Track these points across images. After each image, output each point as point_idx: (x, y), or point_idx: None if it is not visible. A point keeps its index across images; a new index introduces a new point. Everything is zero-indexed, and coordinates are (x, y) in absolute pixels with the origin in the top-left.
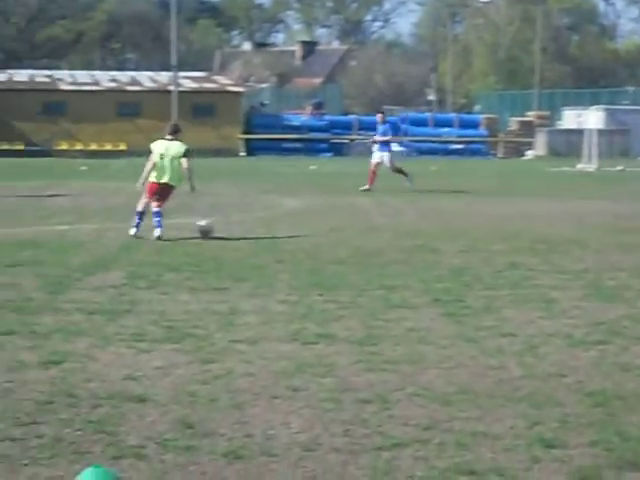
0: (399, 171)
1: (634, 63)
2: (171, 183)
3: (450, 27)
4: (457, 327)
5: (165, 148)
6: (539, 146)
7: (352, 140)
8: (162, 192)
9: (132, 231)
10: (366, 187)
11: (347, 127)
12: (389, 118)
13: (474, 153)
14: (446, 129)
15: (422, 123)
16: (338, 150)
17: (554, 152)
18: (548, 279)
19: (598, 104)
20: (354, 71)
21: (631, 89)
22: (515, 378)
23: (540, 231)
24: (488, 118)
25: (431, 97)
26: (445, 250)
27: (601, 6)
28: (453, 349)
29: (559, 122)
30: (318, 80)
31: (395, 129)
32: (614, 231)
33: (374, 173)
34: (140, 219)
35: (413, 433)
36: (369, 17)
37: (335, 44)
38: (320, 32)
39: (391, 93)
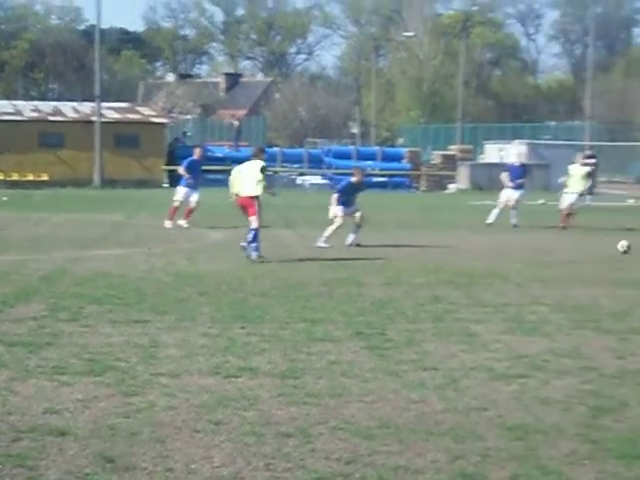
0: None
1: (555, 99)
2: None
3: (374, 60)
4: (379, 360)
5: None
6: (461, 180)
7: (275, 172)
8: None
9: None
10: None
11: (271, 159)
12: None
13: (397, 186)
14: (369, 162)
15: (345, 156)
16: None
17: (476, 186)
18: (470, 313)
19: (520, 139)
20: (278, 103)
21: (552, 124)
22: (437, 412)
23: (462, 264)
24: (411, 151)
25: (355, 130)
26: (368, 283)
27: (523, 41)
28: (375, 382)
29: (481, 156)
30: (242, 112)
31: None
32: (535, 265)
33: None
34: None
35: (335, 467)
36: (293, 50)
37: (259, 76)
38: (244, 64)
39: (315, 125)
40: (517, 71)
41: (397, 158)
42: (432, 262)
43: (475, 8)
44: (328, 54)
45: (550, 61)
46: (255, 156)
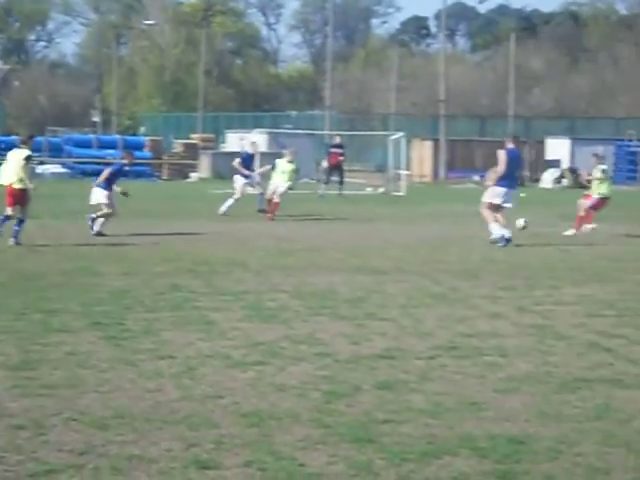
0: None
1: (296, 88)
2: None
3: (115, 48)
4: (116, 350)
5: None
6: (203, 168)
7: None
8: None
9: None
10: None
11: (9, 148)
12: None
13: (139, 175)
14: (111, 151)
15: (86, 145)
16: None
17: (218, 174)
18: (209, 301)
19: (261, 127)
20: (17, 91)
21: (293, 113)
22: (172, 400)
23: (202, 253)
24: (153, 140)
25: (96, 118)
26: (107, 273)
27: (264, 31)
28: (112, 372)
29: (223, 145)
30: None
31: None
32: (275, 253)
33: None
34: None
35: (68, 458)
36: (32, 37)
37: None
38: None
39: (55, 114)
40: (258, 60)
41: (138, 147)
42: (172, 251)
43: None
44: (68, 42)
45: (291, 51)
46: (23, 144)
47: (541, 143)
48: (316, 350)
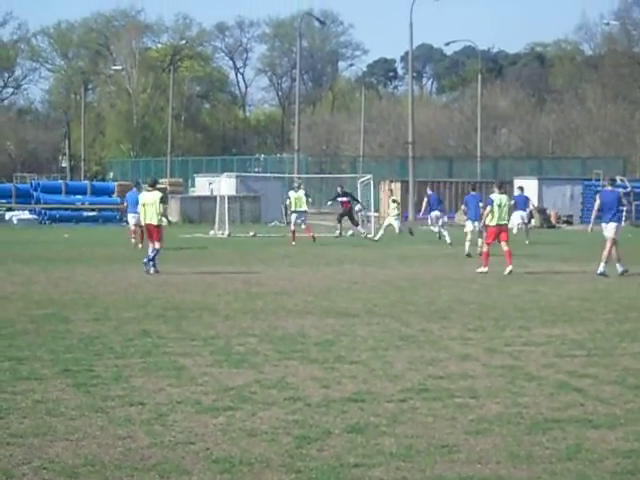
0: None
1: (264, 131)
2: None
3: (83, 94)
4: (86, 397)
5: None
6: (173, 212)
7: None
8: None
9: None
10: None
11: None
12: None
13: (107, 220)
14: (79, 196)
15: (55, 190)
16: None
17: (187, 218)
18: (178, 346)
19: (229, 171)
20: None
21: (262, 157)
22: (143, 447)
23: (171, 298)
24: (121, 185)
25: (64, 164)
26: (76, 319)
27: (232, 75)
28: (81, 420)
29: (192, 189)
30: None
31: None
32: (244, 297)
33: None
34: None
35: None
36: (0, 83)
37: None
38: None
39: (23, 160)
40: (226, 104)
41: (107, 192)
42: (141, 296)
43: (183, 42)
44: (36, 87)
45: (258, 94)
46: (151, 186)
47: (508, 183)
48: (286, 394)
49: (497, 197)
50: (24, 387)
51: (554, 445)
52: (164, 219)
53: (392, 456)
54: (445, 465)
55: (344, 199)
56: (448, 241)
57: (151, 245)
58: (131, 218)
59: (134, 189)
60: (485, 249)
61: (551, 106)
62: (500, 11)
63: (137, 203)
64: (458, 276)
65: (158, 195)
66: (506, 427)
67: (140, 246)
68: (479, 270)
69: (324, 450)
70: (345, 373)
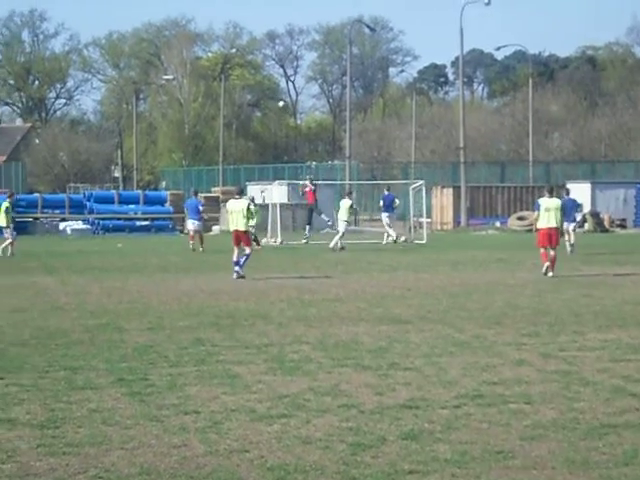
0: None
1: (315, 139)
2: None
3: (134, 104)
4: (141, 406)
5: None
6: (225, 221)
7: (36, 218)
8: None
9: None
10: None
11: (31, 205)
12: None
13: (160, 229)
14: (132, 206)
15: (108, 200)
16: (22, 228)
17: None
18: (232, 354)
19: (281, 179)
20: (38, 149)
21: (313, 164)
22: (198, 455)
23: (225, 306)
24: (174, 194)
25: (117, 174)
26: (130, 329)
27: (282, 83)
28: (137, 429)
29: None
30: (1, 158)
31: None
32: (297, 304)
33: None
34: None
35: None
36: (52, 94)
37: (18, 122)
38: (2, 110)
39: (77, 170)
40: (277, 112)
41: (160, 201)
42: (195, 305)
43: (234, 50)
44: (88, 98)
45: (309, 102)
46: (238, 195)
47: (562, 187)
48: (340, 401)
49: (545, 201)
50: (79, 396)
51: (610, 450)
52: (251, 225)
53: (447, 463)
54: (500, 471)
55: (307, 189)
56: (393, 237)
57: (236, 250)
58: (190, 224)
59: (193, 197)
60: (542, 251)
61: (603, 109)
62: (551, 15)
63: (196, 210)
64: (511, 281)
65: (245, 203)
66: (561, 432)
67: (201, 249)
68: (544, 271)
69: (378, 457)
70: (399, 380)
